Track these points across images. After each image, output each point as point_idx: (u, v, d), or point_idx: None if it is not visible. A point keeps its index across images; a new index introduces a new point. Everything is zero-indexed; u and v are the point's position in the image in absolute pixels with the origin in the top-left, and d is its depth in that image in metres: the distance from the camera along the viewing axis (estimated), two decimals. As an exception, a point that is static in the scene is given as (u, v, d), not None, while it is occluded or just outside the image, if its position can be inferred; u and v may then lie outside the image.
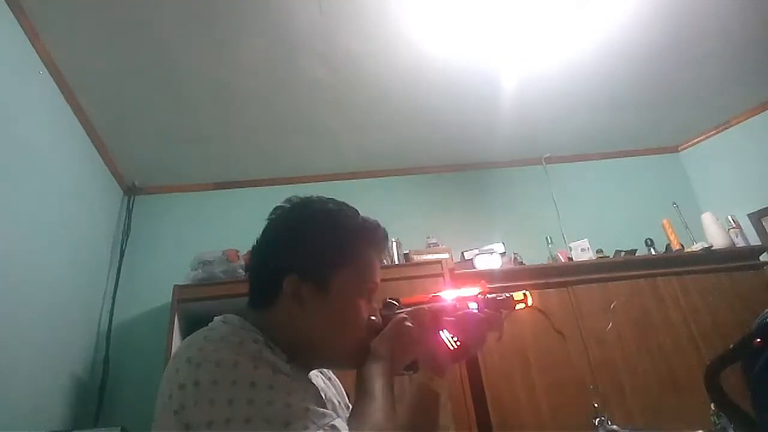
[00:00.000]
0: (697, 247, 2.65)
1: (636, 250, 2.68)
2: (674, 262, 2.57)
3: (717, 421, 1.65)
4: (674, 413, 2.09)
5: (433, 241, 2.78)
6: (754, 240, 2.80)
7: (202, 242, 2.63)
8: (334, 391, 0.89)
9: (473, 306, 0.87)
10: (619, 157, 3.34)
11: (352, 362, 0.77)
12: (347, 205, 0.85)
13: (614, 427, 1.85)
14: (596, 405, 1.96)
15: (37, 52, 2.04)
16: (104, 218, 2.73)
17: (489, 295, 0.88)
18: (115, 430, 1.96)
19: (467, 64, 2.40)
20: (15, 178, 1.88)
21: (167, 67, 2.24)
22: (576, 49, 2.40)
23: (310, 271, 0.76)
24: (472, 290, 0.90)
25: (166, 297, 2.30)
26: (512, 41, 2.30)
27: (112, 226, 2.80)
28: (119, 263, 2.69)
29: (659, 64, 2.56)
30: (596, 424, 1.87)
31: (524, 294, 0.90)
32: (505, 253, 2.65)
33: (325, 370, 0.91)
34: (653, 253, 2.75)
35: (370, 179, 3.16)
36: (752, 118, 3.08)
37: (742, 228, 2.80)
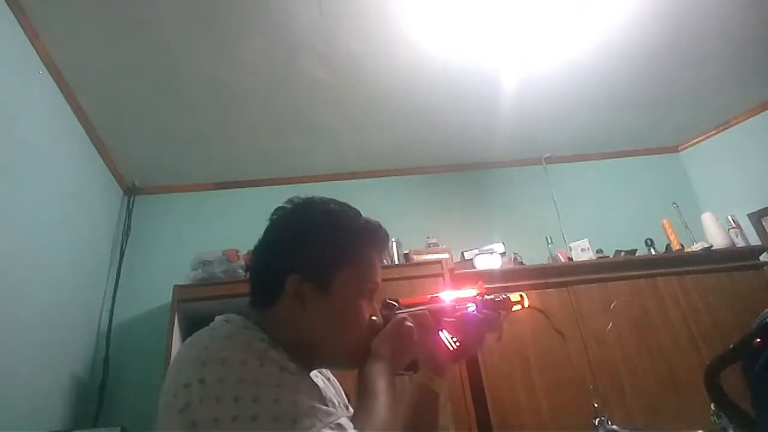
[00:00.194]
0: (697, 247, 2.65)
1: (636, 250, 2.68)
2: (674, 262, 2.57)
3: (717, 421, 1.65)
4: (674, 413, 2.09)
5: (433, 241, 2.78)
6: (754, 240, 2.80)
7: (202, 242, 2.63)
8: (333, 391, 0.89)
9: (472, 307, 0.87)
10: (619, 157, 3.34)
11: (353, 362, 0.78)
12: (349, 206, 0.85)
13: (614, 427, 1.85)
14: (596, 405, 1.96)
15: (37, 52, 2.04)
16: (104, 218, 2.73)
17: (487, 296, 0.89)
18: (115, 430, 1.96)
19: (467, 64, 2.40)
20: (15, 178, 1.88)
21: (167, 67, 2.24)
22: (576, 49, 2.40)
23: (312, 271, 0.77)
24: (471, 291, 0.90)
25: (166, 297, 2.30)
26: (512, 41, 2.30)
27: (112, 226, 2.80)
28: (119, 263, 2.69)
29: (659, 64, 2.56)
30: (596, 424, 1.87)
31: (521, 295, 0.91)
32: (505, 253, 2.65)
33: (323, 370, 0.91)
34: (653, 253, 2.75)
35: (370, 179, 3.16)
36: (752, 118, 3.08)
37: (742, 228, 2.80)
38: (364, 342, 0.78)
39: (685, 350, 2.28)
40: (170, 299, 2.26)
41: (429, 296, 0.92)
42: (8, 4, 1.85)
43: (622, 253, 2.64)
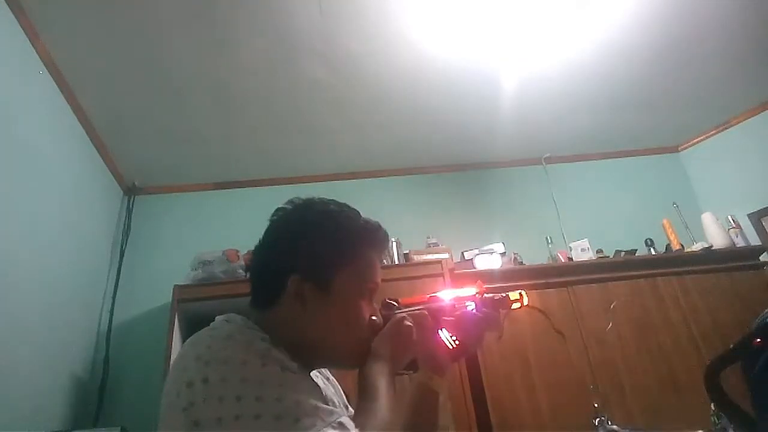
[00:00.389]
0: (697, 247, 2.65)
1: (636, 250, 2.68)
2: (674, 262, 2.57)
3: (717, 421, 1.65)
4: (674, 413, 2.09)
5: (433, 241, 2.78)
6: (754, 240, 2.80)
7: (202, 242, 2.63)
8: (333, 391, 0.89)
9: (471, 306, 0.88)
10: (619, 157, 3.34)
11: (353, 362, 0.78)
12: (348, 207, 0.86)
13: (614, 427, 1.85)
14: (596, 405, 1.96)
15: (37, 52, 2.04)
16: (104, 218, 2.73)
17: (486, 295, 0.89)
18: (115, 430, 1.96)
19: (467, 64, 2.40)
20: (15, 178, 1.88)
21: (167, 67, 2.24)
22: (576, 49, 2.40)
23: (313, 272, 0.77)
24: (470, 290, 0.91)
25: (166, 297, 2.30)
26: (512, 41, 2.30)
27: (112, 226, 2.80)
28: (119, 263, 2.69)
29: (659, 64, 2.56)
30: (596, 424, 1.87)
31: (520, 293, 0.90)
32: (505, 253, 2.65)
33: (323, 370, 0.91)
34: (653, 253, 2.75)
35: (370, 179, 3.16)
36: (752, 118, 3.08)
37: (742, 228, 2.80)
38: (364, 342, 0.79)
39: (685, 350, 2.28)
40: (170, 299, 2.26)
41: (428, 295, 0.92)
42: (8, 4, 1.85)
43: (622, 253, 2.64)
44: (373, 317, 0.82)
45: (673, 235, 2.80)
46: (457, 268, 2.46)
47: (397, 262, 2.57)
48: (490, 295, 0.90)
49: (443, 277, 2.37)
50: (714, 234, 2.74)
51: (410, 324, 0.80)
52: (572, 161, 3.30)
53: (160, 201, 2.98)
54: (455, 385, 2.10)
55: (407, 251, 2.65)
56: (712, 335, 2.29)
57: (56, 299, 2.12)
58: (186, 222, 2.92)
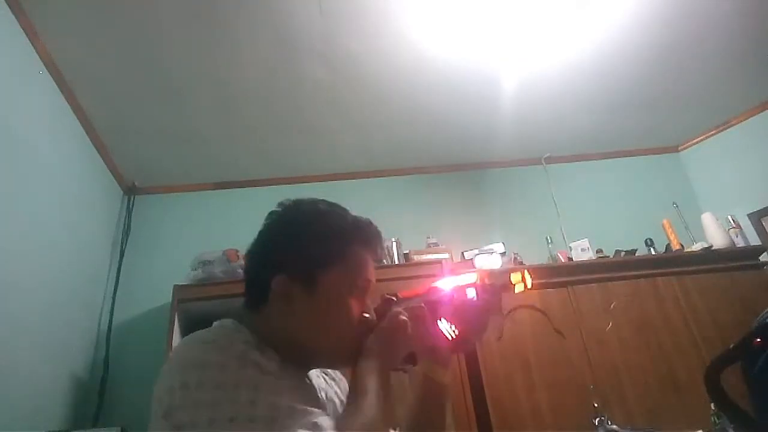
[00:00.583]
0: (697, 247, 2.65)
1: (636, 250, 2.68)
2: (674, 262, 2.57)
3: (717, 421, 1.65)
4: (674, 413, 2.09)
5: (433, 241, 2.78)
6: (754, 240, 2.80)
7: (202, 242, 2.63)
8: (337, 390, 0.89)
9: (471, 293, 0.86)
10: (619, 157, 3.34)
11: (344, 361, 0.78)
12: (338, 206, 0.85)
13: (614, 427, 1.85)
14: (596, 405, 1.96)
15: (37, 52, 2.04)
16: (104, 218, 2.73)
17: (486, 280, 0.88)
18: (115, 430, 1.96)
19: (467, 64, 2.40)
20: (15, 178, 1.88)
21: (167, 67, 2.24)
22: (576, 50, 2.40)
23: (298, 271, 0.77)
24: (470, 277, 0.89)
25: (166, 297, 2.29)
26: (512, 41, 2.30)
27: (112, 226, 2.80)
28: (119, 263, 2.69)
29: (659, 64, 2.56)
30: (596, 424, 1.87)
31: (522, 274, 0.89)
32: (505, 253, 2.65)
33: (329, 369, 0.91)
34: (653, 253, 2.75)
35: (370, 179, 3.16)
36: (752, 118, 3.08)
37: (742, 228, 2.80)
38: (354, 341, 0.77)
39: (685, 350, 2.28)
40: (170, 299, 2.26)
41: (428, 286, 0.90)
42: (8, 4, 1.85)
43: (622, 253, 2.64)
44: (366, 315, 0.81)
45: (673, 235, 2.80)
46: (457, 268, 2.46)
47: (397, 262, 2.57)
48: (490, 280, 0.89)
49: (443, 277, 2.37)
50: (714, 234, 2.74)
51: (404, 318, 0.79)
52: (572, 161, 3.30)
53: (160, 201, 2.98)
54: (455, 385, 2.10)
55: (407, 251, 2.65)
56: (712, 335, 2.29)
57: (56, 299, 2.13)
58: (186, 222, 2.92)
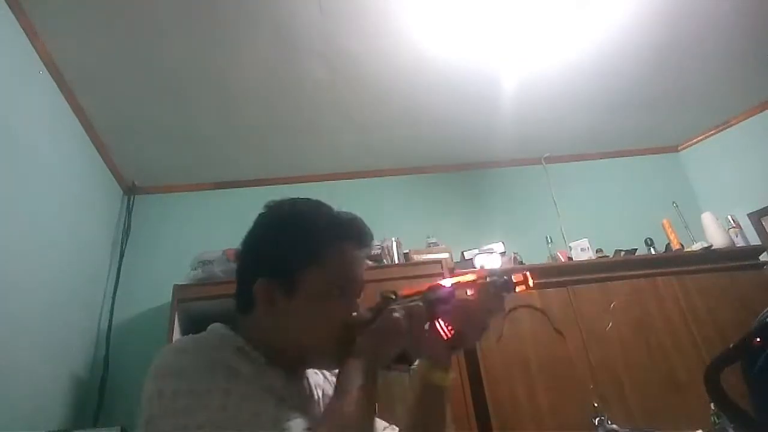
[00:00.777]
0: (697, 246, 2.65)
1: (636, 249, 2.68)
2: (674, 262, 2.57)
3: (717, 421, 1.65)
4: (674, 413, 2.08)
5: (433, 241, 2.78)
6: (754, 240, 2.80)
7: (202, 242, 2.62)
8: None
9: (471, 292, 0.84)
10: (619, 157, 3.34)
11: (334, 361, 0.76)
12: (321, 205, 0.83)
13: (614, 426, 1.85)
14: (596, 405, 1.96)
15: (37, 52, 2.04)
16: (104, 218, 2.73)
17: (488, 279, 0.86)
18: (115, 430, 1.96)
19: (467, 64, 2.40)
20: (15, 178, 1.88)
21: (167, 67, 2.24)
22: (576, 50, 2.40)
23: (277, 273, 0.76)
24: (471, 276, 0.87)
25: (166, 297, 2.30)
26: (512, 41, 2.30)
27: (112, 225, 2.80)
28: (119, 263, 2.69)
29: (659, 64, 2.56)
30: (596, 423, 1.87)
31: (524, 275, 0.86)
32: (505, 252, 2.65)
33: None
34: (653, 252, 2.75)
35: (370, 179, 3.16)
36: (752, 118, 3.08)
37: (742, 228, 2.80)
38: (342, 341, 0.75)
39: (685, 350, 2.28)
40: (170, 299, 2.26)
41: (428, 284, 0.87)
42: (8, 4, 1.86)
43: (622, 253, 2.64)
44: (354, 314, 0.79)
45: (673, 234, 2.80)
46: (457, 268, 2.47)
47: (397, 262, 2.57)
48: (491, 279, 0.86)
49: (443, 277, 2.37)
50: (714, 234, 2.74)
51: (398, 316, 0.76)
52: (572, 161, 3.30)
53: (160, 201, 2.98)
54: (455, 385, 2.10)
55: (407, 251, 2.64)
56: (712, 335, 2.29)
57: (56, 299, 2.13)
58: (186, 222, 2.92)
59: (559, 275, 2.47)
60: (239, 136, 2.74)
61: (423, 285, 0.86)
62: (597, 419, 1.88)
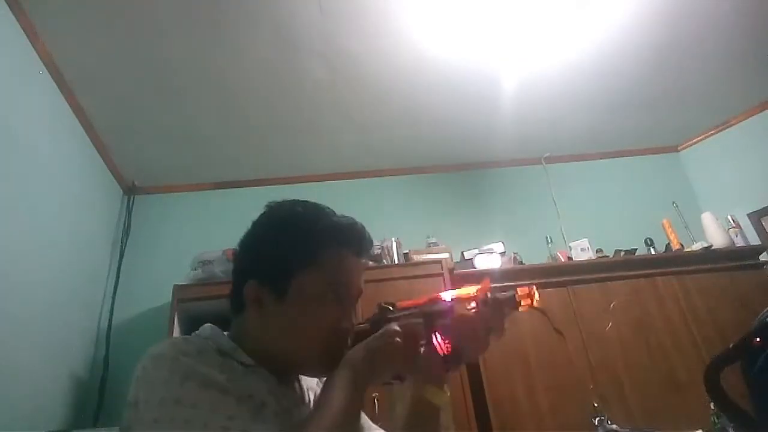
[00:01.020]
0: (697, 246, 2.65)
1: (636, 249, 2.68)
2: (674, 262, 2.57)
3: (717, 421, 1.65)
4: (674, 413, 2.09)
5: (433, 241, 2.78)
6: (754, 240, 2.80)
7: (202, 242, 2.63)
8: None
9: (472, 307, 0.79)
10: (619, 157, 3.34)
11: (323, 369, 0.74)
12: (319, 207, 0.81)
13: (614, 426, 1.85)
14: (596, 405, 1.96)
15: (37, 52, 2.04)
16: (104, 218, 2.73)
17: (490, 294, 0.79)
18: (115, 430, 1.95)
19: (467, 64, 2.40)
20: (15, 178, 1.88)
21: (167, 67, 2.24)
22: (576, 50, 2.40)
23: (267, 276, 0.75)
24: (473, 289, 0.81)
25: (166, 297, 2.30)
26: (512, 41, 2.30)
27: (112, 225, 2.80)
28: (119, 263, 2.69)
29: (659, 64, 2.56)
30: (596, 423, 1.87)
31: (529, 290, 0.79)
32: (504, 252, 2.65)
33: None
34: (653, 252, 2.75)
35: (370, 179, 3.16)
36: (752, 118, 3.08)
37: (742, 228, 2.80)
38: (330, 349, 0.73)
39: (685, 350, 2.28)
40: (170, 299, 2.26)
41: (427, 297, 0.82)
42: (8, 4, 1.86)
43: (622, 253, 2.64)
44: (350, 321, 0.77)
45: (673, 234, 2.80)
46: (457, 268, 2.47)
47: (397, 262, 2.57)
48: (494, 294, 0.80)
49: (443, 276, 2.37)
50: (714, 234, 2.74)
51: (399, 341, 0.72)
52: (572, 161, 3.30)
53: (160, 201, 2.98)
54: (455, 385, 2.10)
55: (407, 251, 2.64)
56: (712, 335, 2.29)
57: (56, 299, 2.13)
58: (186, 222, 2.92)
59: (559, 275, 2.47)
60: (239, 136, 2.74)
61: (422, 297, 0.82)
62: (597, 419, 1.87)
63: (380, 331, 0.74)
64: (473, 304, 0.79)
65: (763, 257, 2.67)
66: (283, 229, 0.78)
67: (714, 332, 2.30)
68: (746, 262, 2.59)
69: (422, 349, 0.77)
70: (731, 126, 3.16)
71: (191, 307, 2.23)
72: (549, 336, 2.28)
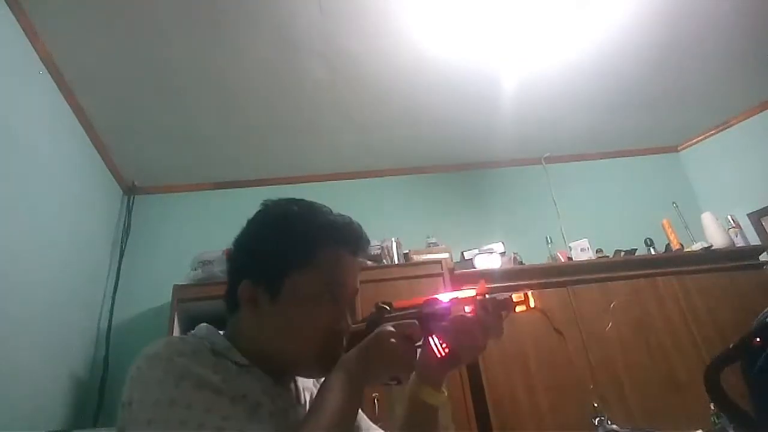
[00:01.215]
0: (697, 246, 2.65)
1: (636, 249, 2.68)
2: (674, 262, 2.57)
3: (717, 421, 1.65)
4: (674, 413, 2.09)
5: (433, 241, 2.78)
6: (754, 240, 2.80)
7: (202, 242, 2.62)
8: None
9: (469, 309, 0.79)
10: (619, 157, 3.34)
11: (318, 370, 0.74)
12: (316, 206, 0.80)
13: (614, 426, 1.84)
14: (596, 405, 1.96)
15: (37, 52, 2.04)
16: (104, 218, 2.73)
17: (487, 296, 0.80)
18: (115, 430, 1.95)
19: (467, 64, 2.40)
20: (15, 178, 1.88)
21: (167, 68, 2.24)
22: (576, 50, 2.40)
23: (261, 275, 0.74)
24: (470, 291, 0.81)
25: (165, 297, 2.30)
26: (512, 41, 2.30)
27: (112, 225, 2.80)
28: (119, 263, 2.69)
29: (659, 64, 2.56)
30: (596, 424, 1.87)
31: (525, 294, 0.80)
32: (504, 252, 2.65)
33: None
34: (653, 252, 2.75)
35: (370, 179, 3.16)
36: (752, 118, 3.08)
37: (742, 228, 2.80)
38: (326, 350, 0.73)
39: (685, 350, 2.28)
40: (170, 299, 2.26)
41: (424, 298, 0.82)
42: (8, 4, 1.86)
43: (622, 253, 2.64)
44: (346, 321, 0.76)
45: (673, 234, 2.80)
46: (457, 268, 2.47)
47: (397, 262, 2.57)
48: (491, 296, 0.81)
49: (443, 276, 2.37)
50: (714, 234, 2.74)
51: (394, 342, 0.72)
52: (572, 161, 3.30)
53: (160, 201, 2.98)
54: (455, 385, 2.10)
55: (407, 251, 2.65)
56: (712, 335, 2.29)
57: (56, 299, 2.13)
58: (186, 222, 2.92)
59: (559, 275, 2.47)
60: (239, 136, 2.74)
61: (419, 298, 0.82)
62: (597, 419, 1.87)
63: (374, 332, 0.73)
64: (469, 306, 0.79)
65: (763, 257, 2.67)
66: (279, 228, 0.77)
67: (714, 332, 2.30)
68: (746, 262, 2.59)
69: (419, 351, 0.76)
70: (731, 126, 3.16)
71: (191, 307, 2.23)
72: (549, 336, 2.28)
